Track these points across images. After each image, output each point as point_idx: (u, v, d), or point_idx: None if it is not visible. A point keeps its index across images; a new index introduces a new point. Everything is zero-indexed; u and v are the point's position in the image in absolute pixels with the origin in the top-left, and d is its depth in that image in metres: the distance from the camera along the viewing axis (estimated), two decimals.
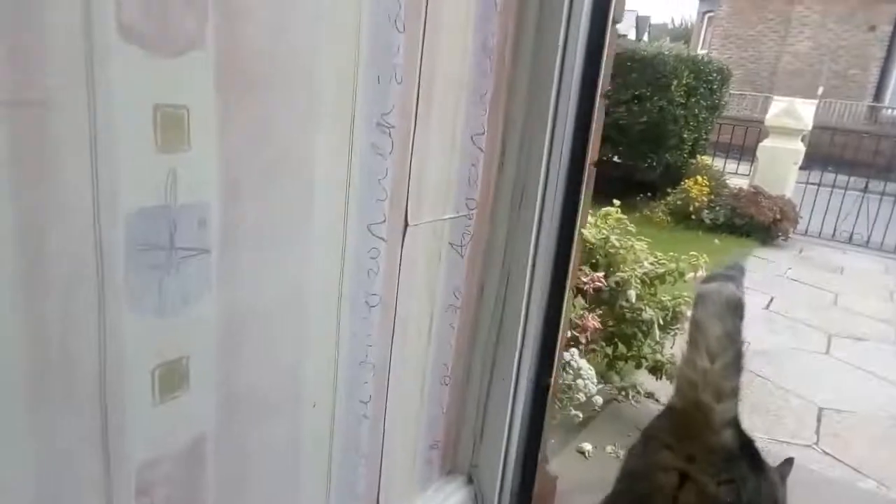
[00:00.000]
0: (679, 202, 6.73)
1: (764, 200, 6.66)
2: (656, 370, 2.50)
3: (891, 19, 14.87)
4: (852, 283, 5.49)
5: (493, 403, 1.49)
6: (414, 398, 1.33)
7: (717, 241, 6.35)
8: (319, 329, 1.02)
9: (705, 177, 7.10)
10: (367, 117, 0.99)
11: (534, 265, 1.41)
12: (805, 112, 6.91)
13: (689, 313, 2.49)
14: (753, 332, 3.95)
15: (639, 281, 2.39)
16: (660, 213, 6.76)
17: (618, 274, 2.28)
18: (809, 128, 6.97)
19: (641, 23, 53.28)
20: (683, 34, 26.95)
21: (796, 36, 15.72)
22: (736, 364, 0.99)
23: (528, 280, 1.42)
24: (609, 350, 2.35)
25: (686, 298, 2.54)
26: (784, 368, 3.39)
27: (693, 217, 6.70)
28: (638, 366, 2.54)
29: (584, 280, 2.06)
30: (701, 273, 2.59)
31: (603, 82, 1.40)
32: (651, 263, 2.60)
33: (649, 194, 7.28)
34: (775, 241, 6.67)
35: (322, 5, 0.87)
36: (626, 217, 2.85)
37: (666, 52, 6.78)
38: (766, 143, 7.21)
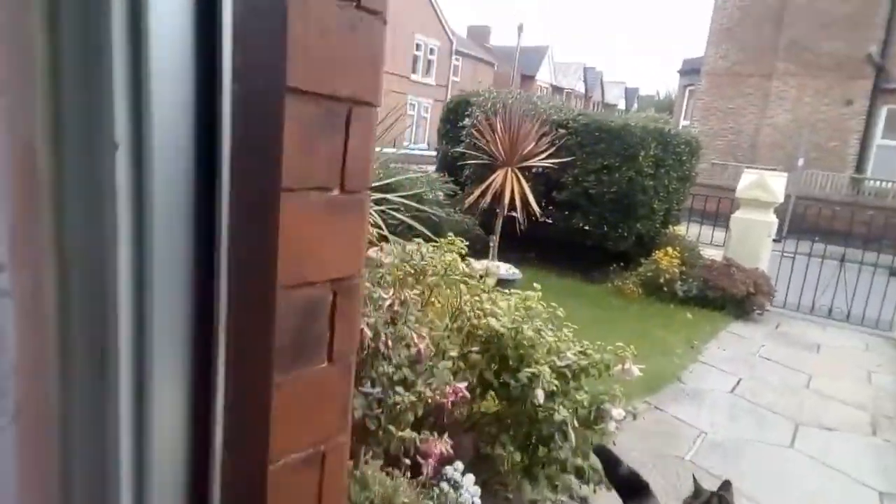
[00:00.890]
0: (650, 273, 6.54)
1: (737, 273, 6.47)
2: (580, 475, 2.21)
3: (866, 94, 15.24)
4: (828, 362, 5.22)
5: None
6: None
7: (689, 314, 6.14)
8: None
9: (677, 248, 6.95)
10: None
11: None
12: (775, 184, 6.84)
13: (614, 411, 2.24)
14: (713, 419, 3.66)
15: (554, 376, 2.14)
16: (630, 285, 6.55)
17: (526, 370, 2.03)
18: (780, 200, 6.89)
19: (630, 94, 55.41)
20: (668, 105, 27.77)
21: (775, 109, 16.06)
22: None
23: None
24: (518, 456, 2.07)
25: (609, 395, 2.28)
26: (740, 466, 3.08)
27: (665, 289, 6.49)
28: (563, 470, 2.25)
29: (447, 391, 1.81)
30: (628, 365, 2.35)
31: None
32: (575, 354, 2.36)
33: (622, 264, 7.11)
34: (750, 315, 6.43)
35: None
36: (550, 302, 2.63)
37: (633, 124, 6.78)
38: (738, 215, 7.10)
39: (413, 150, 16.89)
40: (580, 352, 2.42)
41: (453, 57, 35.63)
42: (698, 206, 8.64)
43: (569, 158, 6.78)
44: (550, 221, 7.62)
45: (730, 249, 7.08)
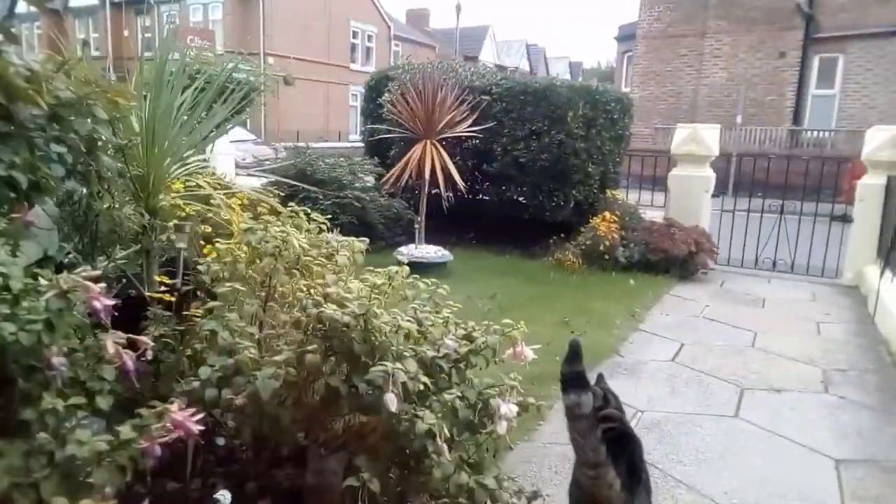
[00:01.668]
0: (589, 242, 6.16)
1: (678, 233, 6.16)
2: (471, 498, 1.74)
3: (798, 45, 15.27)
4: (775, 317, 4.93)
5: None
6: None
7: (631, 281, 5.79)
8: None
9: (616, 212, 6.59)
10: None
11: None
12: (709, 137, 6.54)
13: (504, 409, 1.78)
14: (651, 393, 3.26)
15: (421, 369, 1.66)
16: (570, 256, 6.16)
17: (379, 367, 1.55)
18: (715, 153, 6.59)
19: (575, 68, 55.49)
20: (611, 75, 27.67)
21: (710, 68, 15.97)
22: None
23: None
24: (375, 485, 1.56)
25: (498, 387, 1.82)
26: (679, 445, 2.69)
27: (606, 257, 6.12)
28: (442, 496, 1.76)
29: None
30: (521, 348, 1.89)
31: None
32: (455, 339, 1.88)
33: (562, 235, 6.71)
34: (695, 276, 6.13)
35: None
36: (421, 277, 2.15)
37: (558, 84, 6.36)
38: (675, 172, 6.79)
39: (357, 142, 16.21)
40: (464, 336, 1.95)
41: (392, 42, 34.79)
42: (638, 170, 8.34)
43: (491, 124, 6.31)
44: (486, 198, 7.19)
45: (670, 209, 6.76)
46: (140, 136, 2.28)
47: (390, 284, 1.98)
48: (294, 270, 1.90)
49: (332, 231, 6.02)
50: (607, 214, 6.29)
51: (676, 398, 3.22)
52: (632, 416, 2.96)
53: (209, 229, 3.14)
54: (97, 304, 1.03)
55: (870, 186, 5.84)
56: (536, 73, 50.21)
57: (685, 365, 3.73)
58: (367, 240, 3.75)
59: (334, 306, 1.66)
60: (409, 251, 5.83)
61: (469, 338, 1.95)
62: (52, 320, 0.91)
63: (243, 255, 1.90)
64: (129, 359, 1.12)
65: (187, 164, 2.93)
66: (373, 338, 1.65)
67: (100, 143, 1.55)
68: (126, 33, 30.59)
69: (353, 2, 31.05)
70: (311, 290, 1.82)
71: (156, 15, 29.39)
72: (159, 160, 2.38)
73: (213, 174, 5.70)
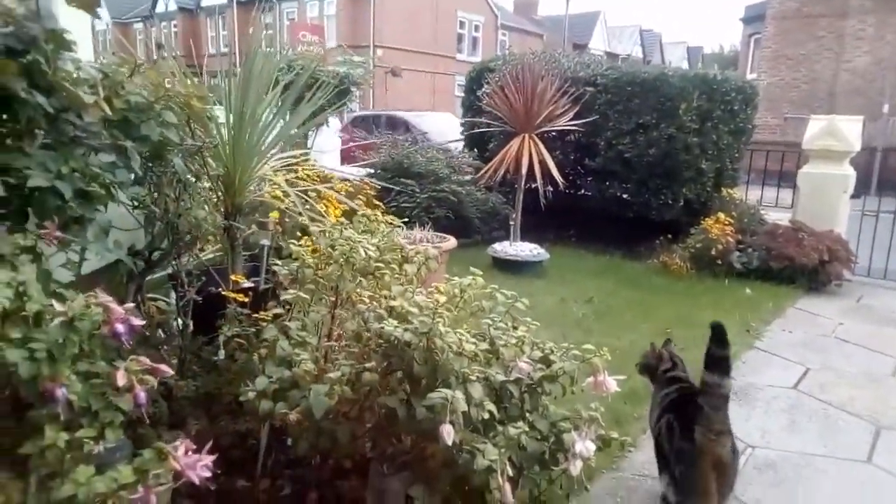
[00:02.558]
0: (699, 245, 5.64)
1: (807, 238, 5.47)
2: None
3: None
4: None
5: None
6: None
7: (748, 290, 5.24)
8: None
9: (732, 213, 5.99)
10: None
11: None
12: (850, 130, 5.73)
13: (579, 446, 1.57)
14: (765, 425, 2.88)
15: (489, 395, 1.50)
16: (677, 259, 5.68)
17: (438, 393, 1.40)
18: (856, 148, 5.76)
19: (693, 54, 51.97)
20: (734, 60, 25.59)
21: (853, 52, 14.15)
22: None
23: None
24: None
25: (573, 419, 1.61)
26: (796, 495, 2.32)
27: (719, 262, 5.58)
28: None
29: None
30: (602, 377, 1.67)
31: None
32: (529, 362, 1.70)
33: (669, 236, 6.22)
34: (826, 288, 5.42)
35: None
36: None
37: (670, 73, 5.85)
38: (806, 170, 6.03)
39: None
40: (541, 359, 1.76)
41: (499, 32, 34.44)
42: (762, 164, 7.55)
43: (594, 118, 5.95)
44: (588, 194, 6.84)
45: (798, 211, 6.03)
46: (225, 135, 2.30)
47: (461, 298, 1.82)
48: (362, 279, 1.80)
49: (426, 225, 5.99)
50: (721, 215, 5.72)
51: (796, 434, 2.80)
52: (741, 452, 2.61)
53: (306, 221, 3.16)
54: (119, 328, 0.98)
55: None
56: (651, 61, 47.60)
57: (809, 394, 3.26)
58: (446, 240, 3.60)
59: (396, 322, 1.54)
60: (503, 248, 5.65)
61: (546, 361, 1.76)
62: (52, 351, 0.87)
63: (311, 259, 1.84)
64: (141, 390, 1.06)
65: (282, 158, 2.96)
66: (435, 358, 1.51)
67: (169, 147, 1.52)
68: (251, 30, 32.74)
69: None
70: (376, 301, 1.71)
71: (277, 12, 31.18)
72: (245, 159, 2.39)
73: (314, 166, 5.87)
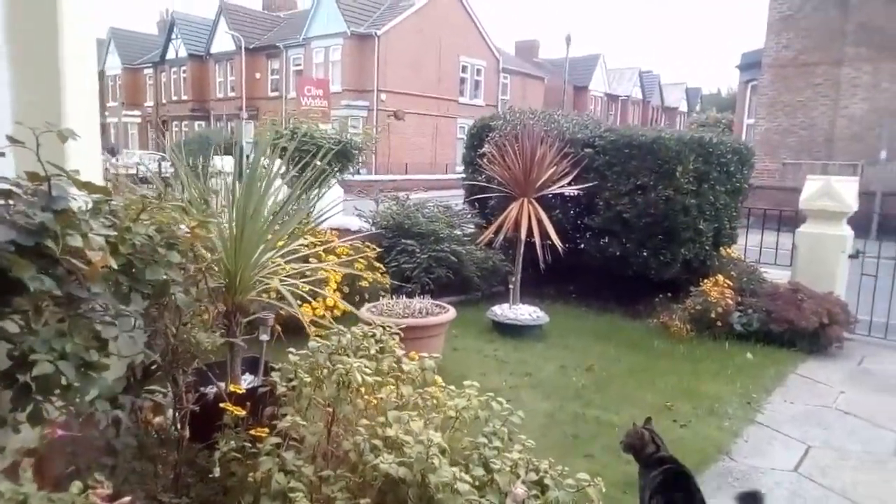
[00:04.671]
0: (699, 307, 5.66)
1: (806, 301, 5.49)
2: None
3: None
4: None
5: None
6: None
7: (749, 354, 5.23)
8: None
9: (732, 273, 6.03)
10: None
11: None
12: (845, 191, 5.81)
13: None
14: None
15: None
16: (677, 321, 5.68)
17: None
18: (852, 209, 5.83)
19: (692, 95, 52.91)
20: (732, 103, 26.01)
21: (849, 99, 14.42)
22: None
23: None
24: None
25: None
26: None
27: (718, 323, 5.58)
28: None
29: None
30: None
31: None
32: (527, 484, 1.71)
33: (669, 294, 6.24)
34: (827, 350, 5.41)
35: None
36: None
37: (666, 136, 5.97)
38: (804, 230, 6.09)
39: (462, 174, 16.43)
40: (535, 481, 1.77)
41: (501, 75, 35.22)
42: (761, 213, 7.60)
43: (592, 184, 6.06)
44: (584, 248, 6.89)
45: (797, 271, 6.07)
46: (227, 242, 2.36)
47: (457, 419, 1.84)
48: (359, 400, 1.83)
49: (426, 288, 5.99)
50: (720, 278, 5.76)
51: None
52: None
53: (307, 287, 3.20)
54: None
55: None
56: (650, 101, 48.48)
57: (811, 479, 3.23)
58: (445, 311, 3.62)
59: (391, 457, 1.56)
60: (502, 311, 5.67)
61: (541, 484, 1.76)
62: None
63: (307, 377, 1.87)
64: None
65: (288, 244, 3.00)
66: (430, 494, 1.52)
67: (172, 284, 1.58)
68: (258, 76, 33.56)
69: (463, 38, 31.90)
70: (371, 430, 1.73)
71: (283, 58, 31.98)
72: (245, 261, 2.45)
73: (315, 231, 5.94)
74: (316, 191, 5.84)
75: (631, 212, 6.13)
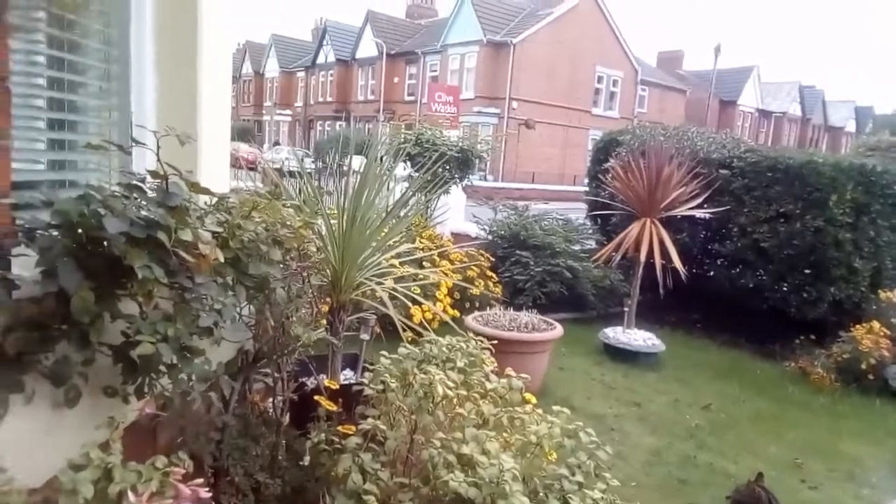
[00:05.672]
0: (847, 355, 4.98)
1: None
2: None
3: None
4: None
5: None
6: None
7: None
8: None
9: (891, 319, 5.24)
10: None
11: None
12: None
13: None
14: None
15: None
16: (819, 368, 5.05)
17: None
18: None
19: (862, 114, 47.08)
20: None
21: None
22: None
23: None
24: None
25: None
26: None
27: (870, 376, 4.87)
28: None
29: None
30: None
31: None
32: None
33: (813, 337, 5.56)
34: None
35: None
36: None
37: (820, 161, 5.34)
38: None
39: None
40: None
41: (638, 87, 33.81)
42: None
43: (726, 208, 5.59)
44: (713, 275, 6.37)
45: None
46: (336, 242, 2.46)
47: (538, 445, 1.76)
48: (439, 412, 1.81)
49: (539, 300, 5.87)
50: (876, 324, 5.03)
51: None
52: None
53: (418, 290, 3.25)
54: None
55: None
56: (811, 119, 43.90)
57: None
58: (552, 328, 3.49)
59: (462, 476, 1.52)
60: (615, 335, 5.40)
61: None
62: None
63: (394, 383, 1.88)
64: None
65: (397, 248, 3.08)
66: None
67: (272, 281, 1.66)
68: (396, 80, 35.17)
69: (601, 47, 31.04)
70: (447, 446, 1.69)
71: (421, 64, 33.20)
72: (351, 261, 2.53)
73: (431, 234, 6.06)
74: (434, 195, 5.98)
75: (770, 241, 5.56)
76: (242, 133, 28.66)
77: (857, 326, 5.10)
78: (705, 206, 5.43)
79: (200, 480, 1.16)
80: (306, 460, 2.09)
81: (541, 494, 1.70)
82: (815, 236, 5.29)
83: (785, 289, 5.63)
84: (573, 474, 1.77)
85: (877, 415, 4.55)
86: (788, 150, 5.89)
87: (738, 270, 5.95)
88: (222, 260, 1.43)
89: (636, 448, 3.67)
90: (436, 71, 32.09)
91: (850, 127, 46.49)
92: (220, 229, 1.43)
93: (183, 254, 1.25)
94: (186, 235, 1.26)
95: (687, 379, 4.99)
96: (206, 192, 1.42)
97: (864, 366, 4.85)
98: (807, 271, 5.46)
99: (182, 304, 1.32)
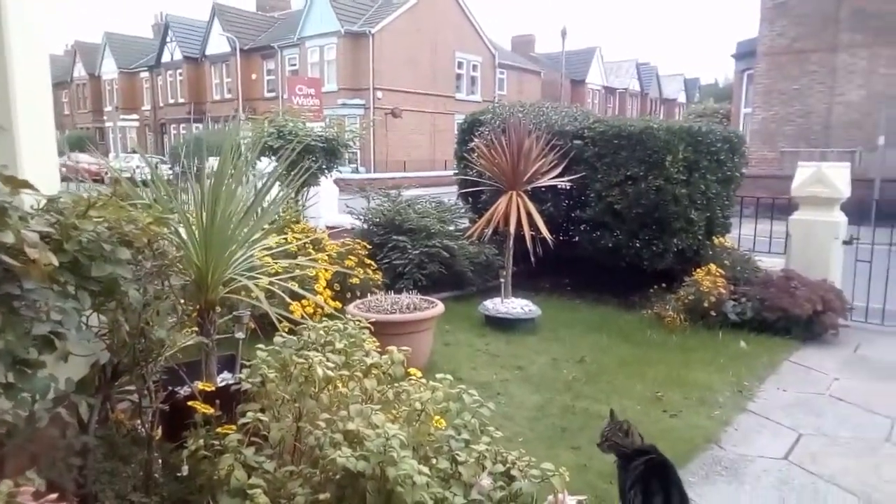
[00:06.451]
0: (692, 297, 5.62)
1: (800, 289, 5.44)
2: None
3: None
4: None
5: None
6: None
7: (742, 343, 5.19)
8: None
9: (725, 262, 5.98)
10: None
11: None
12: (837, 177, 5.76)
13: None
14: None
15: None
16: (670, 311, 5.64)
17: None
18: (845, 195, 5.78)
19: (690, 85, 52.70)
20: (730, 93, 25.90)
21: (846, 85, 14.32)
22: None
23: None
24: None
25: None
26: None
27: (712, 313, 5.54)
28: None
29: None
30: (562, 497, 1.65)
31: None
32: (493, 475, 1.68)
33: (664, 285, 6.19)
34: (822, 338, 5.36)
35: None
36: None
37: (655, 126, 5.93)
38: (796, 217, 6.04)
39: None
40: (504, 472, 1.74)
41: (497, 70, 35.12)
42: (753, 202, 7.53)
43: (580, 174, 6.03)
44: (578, 240, 6.85)
45: (791, 259, 6.02)
46: (196, 240, 2.33)
47: (422, 411, 1.81)
48: (321, 395, 1.80)
49: (417, 284, 5.96)
50: (713, 267, 5.71)
51: None
52: None
53: (295, 285, 3.16)
54: None
55: None
56: (648, 93, 48.30)
57: (800, 465, 3.19)
58: (434, 306, 3.56)
59: (350, 451, 1.53)
60: (494, 306, 5.64)
61: (508, 475, 1.73)
62: None
63: (271, 373, 1.84)
64: None
65: (262, 242, 2.97)
66: (389, 489, 1.50)
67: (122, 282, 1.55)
68: (254, 76, 33.55)
69: (459, 34, 31.80)
70: (332, 425, 1.70)
71: (278, 58, 31.94)
72: (217, 256, 2.42)
73: (304, 227, 5.91)
74: (302, 186, 5.83)
75: (622, 203, 6.09)
76: (80, 142, 25.72)
77: (698, 270, 5.76)
78: (564, 175, 5.80)
79: (55, 496, 1.06)
80: (185, 470, 1.98)
81: (432, 459, 1.75)
82: (657, 194, 5.88)
83: (638, 245, 6.21)
84: (459, 434, 1.85)
85: (720, 345, 5.18)
86: (630, 119, 6.46)
87: (598, 233, 6.45)
88: (56, 264, 1.31)
89: (521, 407, 3.88)
90: (295, 65, 31.04)
91: (682, 98, 51.80)
92: (51, 230, 1.30)
93: (6, 258, 1.13)
94: (7, 238, 1.14)
95: (563, 338, 5.35)
96: (26, 185, 1.28)
97: (706, 304, 5.50)
98: (654, 227, 6.05)
99: (10, 314, 1.19)
